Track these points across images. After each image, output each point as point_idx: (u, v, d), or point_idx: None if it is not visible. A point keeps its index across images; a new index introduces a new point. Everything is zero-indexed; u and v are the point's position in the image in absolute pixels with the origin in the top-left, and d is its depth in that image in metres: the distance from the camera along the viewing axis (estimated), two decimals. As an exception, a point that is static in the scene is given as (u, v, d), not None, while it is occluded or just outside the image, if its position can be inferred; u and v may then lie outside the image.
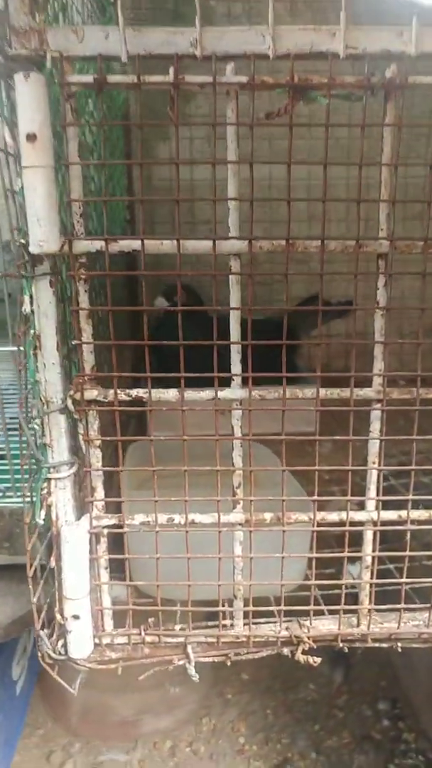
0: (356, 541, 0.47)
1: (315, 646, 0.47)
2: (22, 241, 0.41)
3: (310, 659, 0.47)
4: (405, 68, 0.40)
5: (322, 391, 0.44)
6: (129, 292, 1.17)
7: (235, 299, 0.43)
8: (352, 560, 0.48)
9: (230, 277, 0.43)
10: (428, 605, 0.48)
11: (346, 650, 0.48)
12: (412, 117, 1.14)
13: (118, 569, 0.48)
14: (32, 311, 0.43)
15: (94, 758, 1.00)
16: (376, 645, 0.48)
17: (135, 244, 0.42)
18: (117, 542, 0.46)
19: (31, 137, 0.40)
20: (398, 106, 0.41)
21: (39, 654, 0.45)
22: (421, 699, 1.08)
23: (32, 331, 0.43)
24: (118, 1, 0.40)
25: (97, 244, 0.42)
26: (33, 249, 0.41)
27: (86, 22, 0.71)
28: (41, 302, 0.43)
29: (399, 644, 0.49)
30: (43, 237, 0.41)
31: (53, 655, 0.45)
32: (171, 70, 0.40)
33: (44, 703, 1.07)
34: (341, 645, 0.48)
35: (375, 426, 0.44)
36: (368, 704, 1.13)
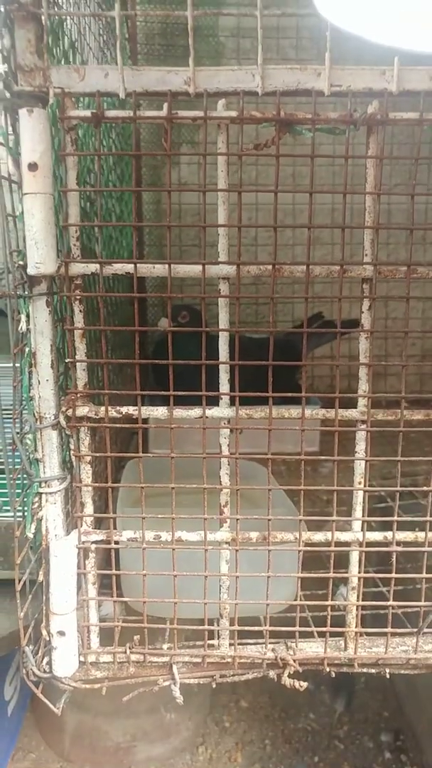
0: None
1: (300, 670, 0.46)
2: (21, 262, 0.43)
3: (296, 683, 0.46)
4: (386, 105, 0.42)
5: (312, 412, 0.45)
6: (139, 314, 1.21)
7: (223, 320, 0.45)
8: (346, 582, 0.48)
9: (219, 300, 0.44)
10: (416, 630, 0.48)
11: (333, 674, 0.48)
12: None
13: (110, 585, 0.48)
14: (28, 330, 0.44)
15: (87, 785, 0.98)
16: (364, 670, 0.48)
17: (128, 267, 0.44)
18: (115, 558, 0.46)
19: (33, 166, 0.42)
20: (380, 139, 0.43)
21: (23, 671, 0.45)
22: (424, 730, 1.05)
23: (28, 349, 0.45)
24: (117, 44, 0.42)
25: (92, 267, 0.44)
26: (30, 270, 0.43)
27: (98, 55, 0.75)
28: (38, 321, 0.45)
29: (387, 670, 0.48)
30: (40, 259, 0.43)
31: (37, 672, 0.45)
32: (165, 106, 0.43)
33: (37, 727, 1.06)
34: (328, 669, 0.47)
35: (360, 447, 0.44)
36: (370, 736, 1.10)
